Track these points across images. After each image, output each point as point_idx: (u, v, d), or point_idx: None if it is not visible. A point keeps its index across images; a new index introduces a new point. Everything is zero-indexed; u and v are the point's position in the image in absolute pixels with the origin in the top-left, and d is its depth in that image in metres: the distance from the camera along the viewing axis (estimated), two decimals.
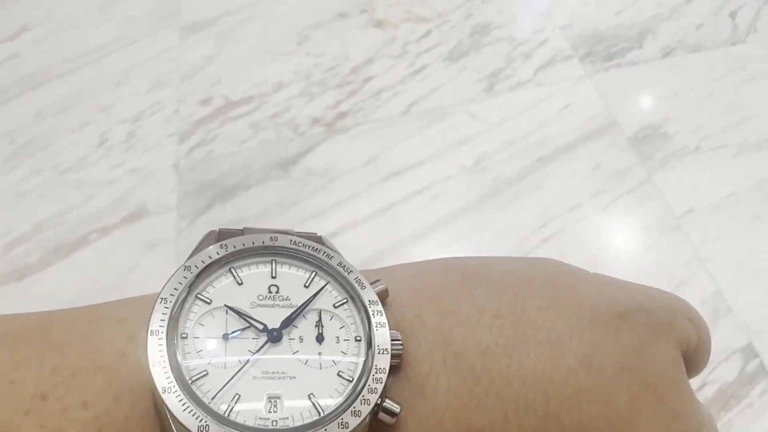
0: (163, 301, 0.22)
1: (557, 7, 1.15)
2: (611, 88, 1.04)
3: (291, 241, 0.25)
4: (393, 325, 0.24)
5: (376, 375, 0.23)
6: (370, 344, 0.23)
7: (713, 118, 1.00)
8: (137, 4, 1.27)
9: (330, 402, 0.22)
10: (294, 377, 0.22)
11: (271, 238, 0.25)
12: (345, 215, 0.98)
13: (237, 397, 0.22)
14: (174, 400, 0.21)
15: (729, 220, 0.91)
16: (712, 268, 0.88)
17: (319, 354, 0.23)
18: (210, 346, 0.22)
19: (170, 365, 0.21)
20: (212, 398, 0.21)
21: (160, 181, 1.05)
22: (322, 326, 0.24)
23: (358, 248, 0.94)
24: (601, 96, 1.04)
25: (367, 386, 0.22)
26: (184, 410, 0.21)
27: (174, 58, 1.20)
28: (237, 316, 0.23)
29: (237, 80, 1.15)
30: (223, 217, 0.99)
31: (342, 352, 0.23)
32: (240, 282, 0.24)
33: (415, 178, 1.01)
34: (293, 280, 0.25)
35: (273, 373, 0.22)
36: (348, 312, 0.24)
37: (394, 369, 0.23)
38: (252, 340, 0.23)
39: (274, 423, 0.21)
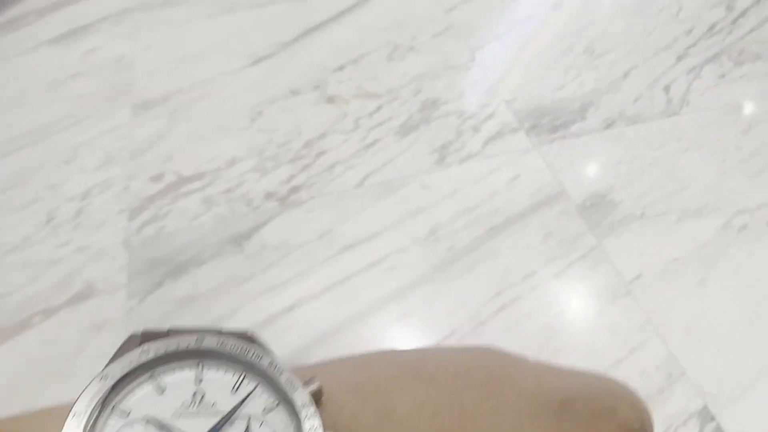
0: (75, 415, 0.21)
1: (502, 82, 1.19)
2: (558, 159, 1.08)
3: (218, 342, 0.24)
4: (329, 426, 0.23)
5: None
6: None
7: (655, 186, 1.03)
8: (87, 82, 1.27)
9: None
10: None
11: (197, 339, 0.24)
12: (301, 289, 0.97)
13: None
14: None
15: (677, 284, 0.93)
16: (664, 333, 0.89)
17: None
18: None
19: None
20: None
21: (109, 259, 1.02)
22: None
23: (315, 322, 0.93)
24: (548, 166, 1.07)
25: None
26: None
27: (125, 134, 1.19)
28: (158, 429, 0.22)
29: (189, 156, 1.14)
30: (175, 294, 0.97)
31: None
32: (162, 390, 0.23)
33: (371, 250, 1.01)
34: (220, 384, 0.23)
35: None
36: (279, 416, 0.23)
37: None
38: None
39: None
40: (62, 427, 0.20)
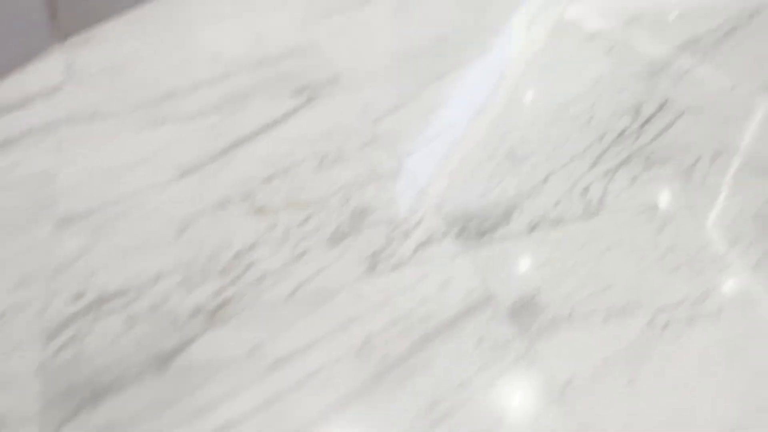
0: None
1: (429, 189, 1.23)
2: (486, 263, 1.10)
3: None
4: None
5: None
6: None
7: (580, 286, 1.06)
8: (7, 197, 1.24)
9: None
10: None
11: None
12: (229, 411, 0.92)
13: None
14: None
15: (607, 385, 0.94)
16: None
17: None
18: None
19: None
20: None
21: (21, 386, 0.95)
22: None
23: None
24: (477, 271, 1.09)
25: None
26: None
27: (45, 251, 1.15)
28: None
29: (113, 272, 1.11)
30: (93, 422, 0.91)
31: None
32: None
33: (303, 365, 0.98)
34: None
35: None
36: None
37: None
38: None
39: None
40: None
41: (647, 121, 1.36)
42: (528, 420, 0.91)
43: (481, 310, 1.04)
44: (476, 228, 1.16)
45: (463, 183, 1.24)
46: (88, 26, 1.65)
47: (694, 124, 1.35)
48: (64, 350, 1.01)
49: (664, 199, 1.20)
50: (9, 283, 1.09)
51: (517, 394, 0.94)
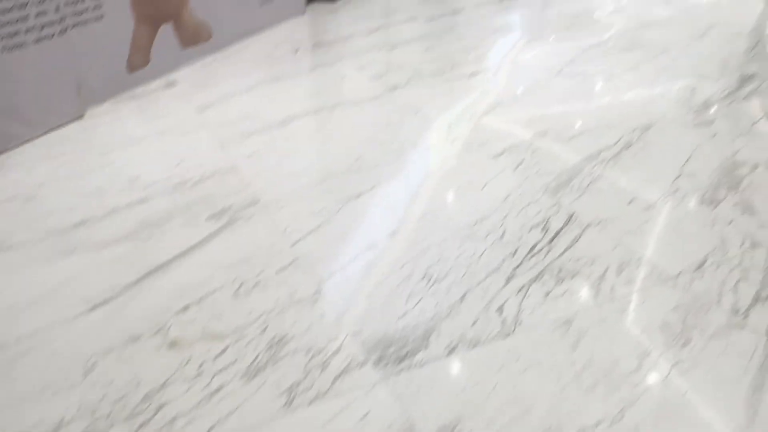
0: None
1: (347, 314, 1.22)
2: (406, 391, 1.08)
3: None
4: None
5: None
6: None
7: (500, 411, 1.05)
8: None
9: None
10: None
11: None
12: None
13: None
14: None
15: None
16: None
17: None
18: None
19: None
20: None
21: None
22: None
23: None
24: (396, 400, 1.07)
25: None
26: None
27: None
28: None
29: (8, 422, 1.02)
30: None
31: None
32: None
33: None
34: None
35: None
36: None
37: None
38: None
39: None
40: None
41: (556, 235, 1.42)
42: None
43: None
44: (395, 354, 1.15)
45: (381, 306, 1.24)
46: None
47: (600, 236, 1.42)
48: None
49: (576, 313, 1.23)
50: None
51: None
